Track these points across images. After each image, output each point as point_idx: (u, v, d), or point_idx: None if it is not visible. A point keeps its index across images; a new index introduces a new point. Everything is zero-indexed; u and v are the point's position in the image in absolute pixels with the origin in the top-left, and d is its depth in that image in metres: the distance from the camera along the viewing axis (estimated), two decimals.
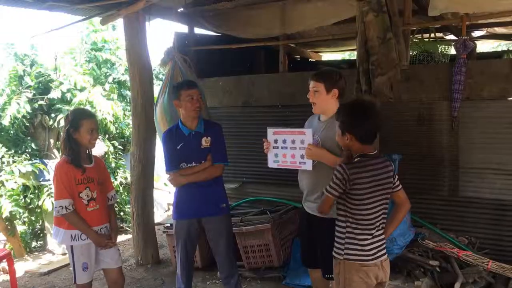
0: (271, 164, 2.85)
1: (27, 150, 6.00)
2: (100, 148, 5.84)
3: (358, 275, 2.22)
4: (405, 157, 3.95)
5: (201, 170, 3.12)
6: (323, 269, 2.77)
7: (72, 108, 3.04)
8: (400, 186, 2.35)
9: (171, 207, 3.91)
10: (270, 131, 2.81)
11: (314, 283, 3.04)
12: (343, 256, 2.27)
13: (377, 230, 2.27)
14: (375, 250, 2.25)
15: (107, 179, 3.13)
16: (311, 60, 7.91)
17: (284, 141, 2.74)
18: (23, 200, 5.45)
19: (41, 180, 5.48)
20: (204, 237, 3.33)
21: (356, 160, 2.23)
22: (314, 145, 2.62)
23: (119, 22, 5.25)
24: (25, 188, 5.40)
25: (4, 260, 3.80)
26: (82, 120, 2.86)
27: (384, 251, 2.30)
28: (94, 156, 3.04)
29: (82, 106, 3.35)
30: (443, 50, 4.71)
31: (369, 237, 2.24)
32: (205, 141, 3.16)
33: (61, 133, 2.96)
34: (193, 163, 3.14)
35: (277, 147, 2.78)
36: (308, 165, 2.65)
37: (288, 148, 2.73)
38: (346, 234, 2.27)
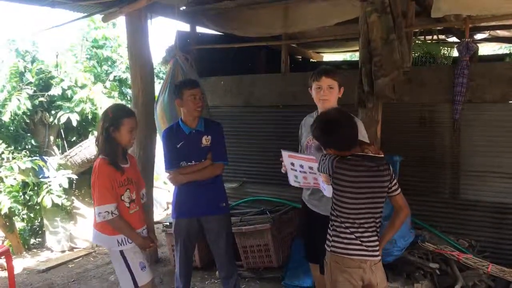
0: (292, 183, 2.80)
1: (27, 147, 5.98)
2: None
3: (343, 275, 2.24)
4: (406, 159, 3.94)
5: (201, 169, 3.12)
6: (321, 266, 2.76)
7: (114, 105, 2.79)
8: (398, 191, 2.31)
9: (170, 206, 3.90)
10: (285, 154, 2.70)
11: (317, 279, 3.04)
12: (330, 248, 2.31)
13: (364, 232, 2.24)
14: (358, 251, 2.23)
15: (140, 177, 2.96)
16: (313, 60, 7.90)
17: (302, 166, 2.64)
18: (22, 196, 5.44)
19: (40, 177, 5.47)
20: (203, 237, 3.32)
21: (348, 157, 2.24)
22: None
23: (121, 20, 5.24)
24: (25, 184, 5.39)
25: (3, 257, 3.79)
26: (124, 119, 2.68)
27: (374, 253, 2.26)
28: (128, 155, 2.88)
29: (120, 103, 3.10)
30: (445, 52, 4.69)
31: (351, 235, 2.23)
32: (206, 140, 3.16)
33: (98, 131, 2.71)
34: (193, 161, 3.14)
35: (295, 170, 2.69)
36: (328, 192, 2.45)
37: (308, 173, 2.65)
38: (332, 226, 2.32)
